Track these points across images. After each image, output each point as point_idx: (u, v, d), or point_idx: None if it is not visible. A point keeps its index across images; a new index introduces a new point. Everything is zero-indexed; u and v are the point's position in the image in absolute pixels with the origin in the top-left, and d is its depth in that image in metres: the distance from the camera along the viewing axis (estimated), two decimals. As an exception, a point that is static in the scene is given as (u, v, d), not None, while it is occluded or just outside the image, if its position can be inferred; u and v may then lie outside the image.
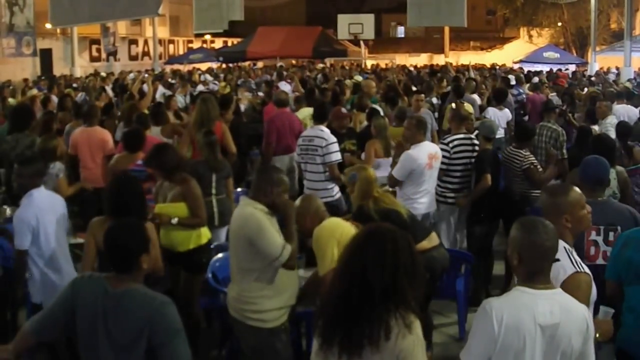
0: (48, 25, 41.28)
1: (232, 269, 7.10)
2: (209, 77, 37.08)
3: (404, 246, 4.54)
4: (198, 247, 9.01)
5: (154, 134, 13.53)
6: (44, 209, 7.88)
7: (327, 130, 11.96)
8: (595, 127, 13.80)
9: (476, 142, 11.58)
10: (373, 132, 13.04)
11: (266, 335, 6.86)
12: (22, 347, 5.46)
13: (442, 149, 11.18)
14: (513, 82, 26.33)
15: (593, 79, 32.37)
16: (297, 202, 7.64)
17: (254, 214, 6.78)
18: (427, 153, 10.68)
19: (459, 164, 11.23)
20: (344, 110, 14.28)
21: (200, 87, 28.72)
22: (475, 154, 11.36)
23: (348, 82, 22.78)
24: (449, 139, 11.38)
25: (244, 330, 6.94)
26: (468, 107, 15.65)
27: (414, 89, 19.75)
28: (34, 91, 26.13)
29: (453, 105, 15.68)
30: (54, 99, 20.98)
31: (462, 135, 11.43)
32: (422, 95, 16.36)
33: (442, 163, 11.07)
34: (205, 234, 9.22)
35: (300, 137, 12.27)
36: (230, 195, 10.98)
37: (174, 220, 8.68)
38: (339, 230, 6.98)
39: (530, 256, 4.78)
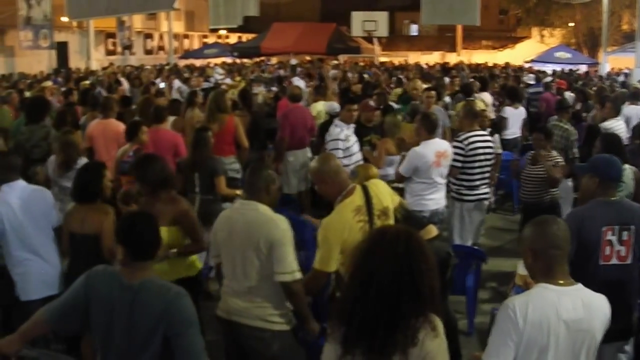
0: (64, 19, 41.34)
1: (238, 277, 6.64)
2: (219, 70, 37.11)
3: (418, 246, 4.44)
4: (186, 279, 7.66)
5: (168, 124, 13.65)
6: (14, 204, 7.87)
7: (338, 125, 12.18)
8: (606, 124, 13.77)
9: (490, 138, 11.57)
10: (385, 129, 13.06)
11: (289, 337, 6.72)
12: (33, 334, 5.52)
13: (456, 147, 11.11)
14: (532, 82, 26.38)
15: (604, 79, 32.30)
16: (314, 163, 7.43)
17: (282, 219, 6.61)
18: (434, 151, 10.61)
19: (476, 160, 11.14)
20: (372, 103, 14.32)
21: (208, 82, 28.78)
22: (491, 150, 11.35)
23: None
24: (463, 137, 11.24)
25: (268, 337, 6.58)
26: (480, 103, 15.64)
27: (424, 86, 19.70)
28: (48, 83, 26.22)
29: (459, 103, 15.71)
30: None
31: (476, 133, 11.32)
32: (433, 92, 16.35)
33: (457, 161, 11.02)
34: (195, 264, 8.26)
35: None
36: (227, 196, 10.77)
37: (172, 252, 7.58)
38: (345, 234, 6.69)
39: (543, 247, 4.80)
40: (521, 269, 5.44)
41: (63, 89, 23.66)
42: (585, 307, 4.70)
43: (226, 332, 6.83)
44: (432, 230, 8.44)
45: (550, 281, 4.77)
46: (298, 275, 6.49)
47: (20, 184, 8.08)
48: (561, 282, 4.77)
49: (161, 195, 7.76)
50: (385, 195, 7.22)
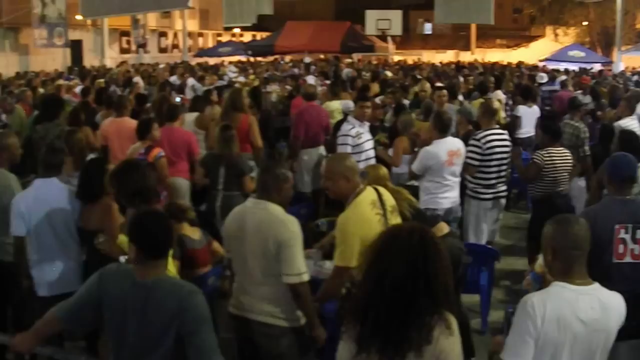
0: (79, 17, 41.45)
1: (248, 274, 6.65)
2: (232, 68, 37.16)
3: (433, 243, 4.40)
4: None
5: (188, 121, 13.74)
6: (37, 200, 7.90)
7: (350, 122, 12.17)
8: (621, 123, 13.73)
9: (507, 137, 11.52)
10: (399, 128, 13.06)
11: (299, 334, 6.68)
12: (46, 332, 5.50)
13: (474, 145, 11.10)
14: (544, 80, 26.32)
15: (617, 78, 32.21)
16: (330, 160, 7.41)
17: (292, 220, 6.59)
18: (446, 150, 10.64)
19: (493, 159, 11.11)
20: (377, 101, 14.31)
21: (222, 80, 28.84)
22: (507, 148, 11.32)
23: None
24: (480, 135, 11.22)
25: (279, 333, 6.59)
26: (495, 102, 15.63)
27: (438, 84, 19.71)
28: (60, 81, 26.31)
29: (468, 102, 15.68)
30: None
31: (493, 131, 11.30)
32: (444, 91, 16.35)
33: (474, 159, 11.02)
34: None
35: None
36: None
37: (122, 258, 6.98)
38: (365, 228, 6.57)
39: (563, 246, 4.79)
40: (541, 259, 5.43)
41: (79, 86, 23.74)
42: (602, 307, 4.70)
43: (238, 329, 6.84)
44: (443, 228, 8.50)
45: (568, 280, 4.76)
46: (305, 277, 6.49)
47: (54, 181, 8.07)
48: (579, 281, 4.76)
49: (140, 207, 7.00)
50: (390, 197, 7.24)
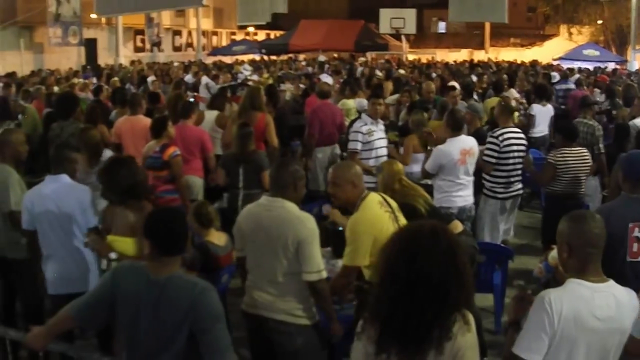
0: (93, 15, 41.55)
1: (263, 272, 6.60)
2: (247, 67, 37.19)
3: (456, 239, 4.43)
4: None
5: (209, 119, 13.75)
6: (47, 197, 7.89)
7: (363, 119, 12.24)
8: (636, 122, 13.67)
9: (522, 135, 11.50)
10: (411, 126, 13.05)
11: (313, 331, 6.68)
12: (59, 330, 5.53)
13: (491, 142, 11.12)
14: (556, 79, 26.23)
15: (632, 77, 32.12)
16: (331, 170, 7.33)
17: (309, 217, 6.58)
18: (459, 149, 10.61)
19: (510, 157, 11.11)
20: (389, 101, 14.30)
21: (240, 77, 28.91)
22: (523, 147, 11.31)
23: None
24: (498, 132, 11.23)
25: (293, 331, 6.55)
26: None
27: (452, 83, 19.68)
28: (75, 80, 26.36)
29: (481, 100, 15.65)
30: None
31: (511, 129, 11.33)
32: (457, 90, 16.38)
33: (491, 157, 11.05)
34: None
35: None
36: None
37: (113, 255, 7.03)
38: (378, 226, 6.68)
39: (580, 244, 4.74)
40: (555, 251, 5.39)
41: (95, 83, 23.86)
42: (617, 305, 4.66)
43: (252, 327, 6.81)
44: (457, 226, 8.49)
45: (584, 277, 4.73)
46: (324, 274, 6.50)
47: (63, 178, 8.04)
48: (593, 278, 4.72)
49: (130, 203, 7.19)
50: (392, 200, 7.26)
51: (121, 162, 7.47)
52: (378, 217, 6.79)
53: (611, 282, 4.79)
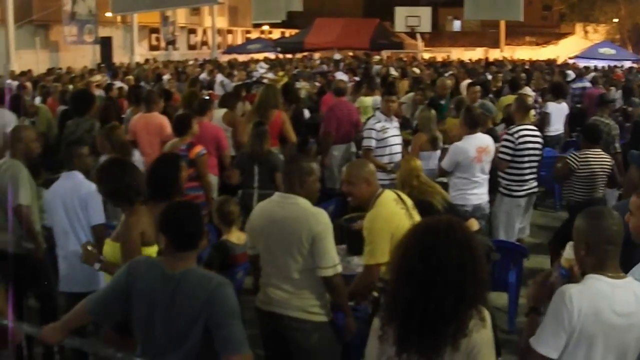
0: (108, 14, 41.62)
1: (277, 269, 6.58)
2: (262, 65, 37.25)
3: (472, 234, 4.45)
4: None
5: (217, 118, 13.72)
6: (55, 192, 8.02)
7: (377, 116, 12.18)
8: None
9: (539, 133, 11.47)
10: (418, 124, 13.09)
11: (328, 328, 6.68)
12: (75, 324, 5.56)
13: (507, 140, 11.09)
14: (572, 77, 26.16)
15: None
16: (345, 168, 7.43)
17: (322, 212, 6.57)
18: (476, 146, 10.60)
19: (525, 154, 11.08)
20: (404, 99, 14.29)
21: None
22: (539, 145, 11.28)
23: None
24: (514, 130, 11.20)
25: (308, 328, 6.55)
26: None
27: (468, 81, 19.67)
28: (97, 77, 26.42)
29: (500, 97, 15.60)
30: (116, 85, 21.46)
31: (527, 126, 11.31)
32: (478, 87, 16.37)
33: (506, 154, 11.01)
34: None
35: None
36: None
37: (97, 266, 6.81)
38: (394, 223, 6.65)
39: (598, 241, 4.71)
40: (568, 253, 5.35)
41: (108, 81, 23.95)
42: (637, 301, 4.64)
43: (265, 324, 6.81)
44: (474, 224, 8.58)
45: (604, 273, 4.70)
46: (339, 268, 6.48)
47: (75, 175, 8.13)
48: (612, 274, 4.69)
49: (124, 205, 6.88)
50: (407, 197, 7.26)
51: (116, 164, 7.21)
52: (394, 214, 6.80)
53: (630, 279, 4.78)
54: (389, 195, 7.00)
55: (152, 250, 6.60)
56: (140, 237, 6.56)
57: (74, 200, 7.89)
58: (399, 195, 7.13)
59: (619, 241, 4.77)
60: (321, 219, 6.48)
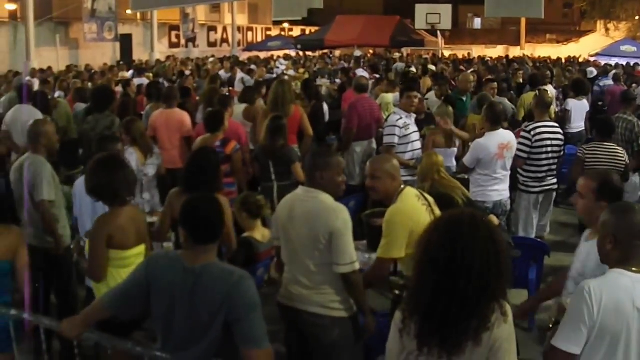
0: (128, 11, 41.71)
1: (298, 264, 6.58)
2: (282, 61, 37.29)
3: (494, 226, 4.41)
4: None
5: (237, 113, 13.71)
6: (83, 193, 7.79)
7: (397, 113, 12.08)
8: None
9: (559, 130, 11.39)
10: (435, 120, 13.03)
11: (350, 324, 6.63)
12: (94, 319, 5.58)
13: (523, 137, 11.06)
14: (593, 75, 26.05)
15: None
16: (369, 163, 7.36)
17: (342, 208, 6.53)
18: (497, 143, 10.54)
19: (543, 152, 11.04)
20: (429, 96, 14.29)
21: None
22: (559, 142, 11.20)
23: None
24: (531, 127, 11.19)
25: (328, 324, 6.52)
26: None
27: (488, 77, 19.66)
28: (125, 74, 26.55)
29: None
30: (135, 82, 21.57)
31: (545, 123, 11.24)
32: (495, 83, 16.51)
33: (523, 151, 10.97)
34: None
35: None
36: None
37: (75, 257, 7.14)
38: (415, 218, 6.64)
39: (626, 236, 4.70)
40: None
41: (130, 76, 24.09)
42: None
43: (287, 319, 6.82)
44: (493, 221, 8.39)
45: (626, 268, 4.67)
46: (357, 265, 6.44)
47: None
48: (635, 269, 4.66)
49: (114, 204, 6.77)
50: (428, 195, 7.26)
51: (103, 163, 7.01)
52: (415, 209, 6.78)
53: None
54: (411, 192, 6.98)
55: (128, 254, 6.62)
56: (107, 239, 6.52)
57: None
58: (421, 193, 7.12)
59: None
60: (340, 215, 6.43)
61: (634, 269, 4.66)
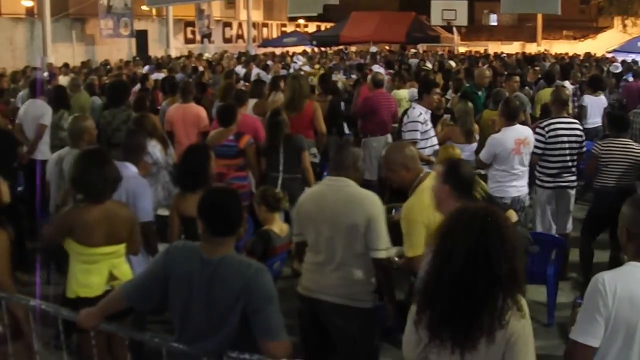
0: (144, 7, 41.78)
1: (327, 253, 6.63)
2: (300, 58, 37.35)
3: (496, 225, 4.29)
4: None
5: (249, 107, 13.67)
6: None
7: (416, 109, 12.02)
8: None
9: (578, 126, 11.32)
10: (455, 117, 13.03)
11: (371, 315, 6.73)
12: (112, 310, 5.60)
13: (537, 133, 11.00)
14: (618, 70, 25.92)
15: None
16: (383, 153, 7.55)
17: (374, 194, 6.71)
18: (514, 138, 10.55)
19: (557, 147, 10.96)
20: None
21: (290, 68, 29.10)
22: (577, 138, 11.11)
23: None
24: (545, 123, 11.15)
25: (351, 315, 6.60)
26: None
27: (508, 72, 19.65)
28: (141, 69, 26.65)
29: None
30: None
31: (562, 119, 11.17)
32: (518, 77, 16.57)
33: (538, 147, 10.90)
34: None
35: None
36: (308, 173, 11.02)
37: None
38: (427, 215, 6.57)
39: (638, 230, 4.66)
40: None
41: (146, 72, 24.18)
42: None
43: (307, 310, 6.86)
44: (512, 216, 8.47)
45: None
46: (392, 252, 6.70)
47: (128, 167, 8.07)
48: None
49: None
50: None
51: (82, 156, 7.09)
52: (428, 206, 6.64)
53: None
54: (428, 185, 6.81)
55: (92, 251, 6.67)
56: (68, 229, 6.63)
57: (121, 192, 7.66)
58: None
59: None
60: (376, 201, 6.62)
61: None
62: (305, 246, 6.93)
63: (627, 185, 10.55)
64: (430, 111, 12.27)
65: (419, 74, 22.01)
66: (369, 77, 17.16)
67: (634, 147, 10.64)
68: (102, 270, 6.73)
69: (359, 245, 6.50)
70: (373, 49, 43.02)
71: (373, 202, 6.57)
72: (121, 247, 6.86)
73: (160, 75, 23.06)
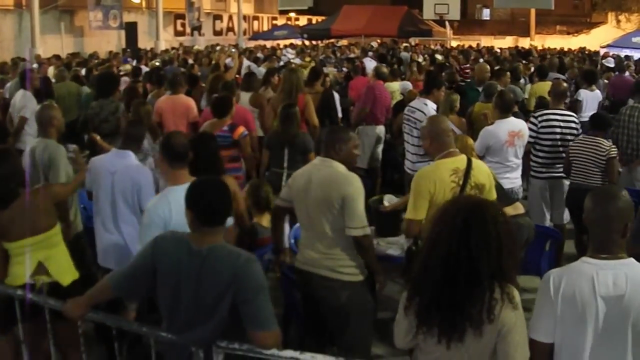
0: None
1: (312, 229, 6.95)
2: (290, 50, 37.40)
3: (481, 220, 4.38)
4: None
5: (243, 100, 13.65)
6: (106, 170, 7.98)
7: (430, 105, 12.10)
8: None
9: (574, 119, 11.35)
10: (441, 109, 12.95)
11: (359, 288, 6.94)
12: (99, 299, 5.59)
13: (530, 122, 11.13)
14: (611, 65, 25.96)
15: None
16: (425, 122, 7.82)
17: (355, 176, 6.90)
18: (507, 130, 10.56)
19: (547, 138, 11.03)
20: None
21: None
22: (571, 130, 11.13)
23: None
24: (538, 113, 11.28)
25: (337, 287, 6.83)
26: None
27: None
28: (127, 67, 26.58)
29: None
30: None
31: (557, 111, 11.25)
32: (509, 72, 16.66)
33: (530, 137, 10.96)
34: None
35: (407, 106, 12.60)
36: None
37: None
38: (437, 188, 6.91)
39: (593, 221, 4.65)
40: None
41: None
42: (630, 282, 4.45)
43: (302, 283, 7.20)
44: (519, 208, 8.81)
45: (595, 255, 4.60)
46: (368, 230, 6.84)
47: (128, 155, 8.15)
48: (604, 255, 4.56)
49: None
50: (484, 175, 7.29)
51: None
52: (441, 179, 7.02)
53: (628, 260, 4.60)
54: (451, 162, 7.15)
55: (13, 245, 6.69)
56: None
57: (126, 180, 7.86)
58: (469, 169, 7.14)
59: (618, 227, 4.62)
60: (353, 182, 6.82)
61: (604, 255, 4.58)
62: (284, 213, 7.54)
63: (593, 185, 10.40)
64: (434, 106, 12.41)
65: (428, 70, 22.02)
66: (373, 68, 17.37)
67: (602, 144, 10.56)
68: (27, 261, 6.71)
69: (338, 222, 6.76)
70: (374, 44, 42.99)
71: (350, 182, 6.78)
72: (47, 236, 6.83)
73: (145, 69, 23.06)
